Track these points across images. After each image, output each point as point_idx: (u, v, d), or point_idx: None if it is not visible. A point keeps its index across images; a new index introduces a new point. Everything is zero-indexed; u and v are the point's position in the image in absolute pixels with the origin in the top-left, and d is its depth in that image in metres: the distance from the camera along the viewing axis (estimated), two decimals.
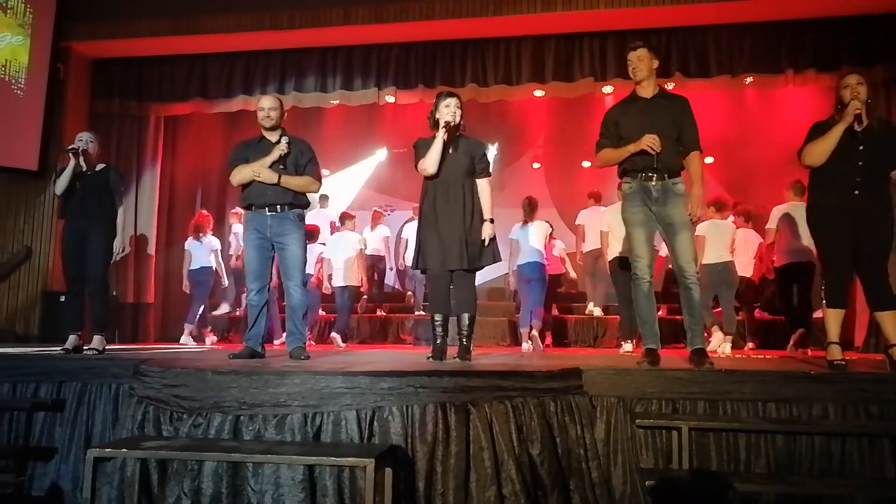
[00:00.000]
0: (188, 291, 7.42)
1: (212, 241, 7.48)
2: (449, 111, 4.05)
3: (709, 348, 4.38)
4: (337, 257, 7.22)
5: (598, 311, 7.67)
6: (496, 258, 4.13)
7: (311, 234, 7.30)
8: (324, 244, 7.64)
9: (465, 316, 4.06)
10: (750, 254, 6.54)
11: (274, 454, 2.58)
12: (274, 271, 4.78)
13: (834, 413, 3.06)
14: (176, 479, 2.87)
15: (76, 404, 3.48)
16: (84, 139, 4.71)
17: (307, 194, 4.39)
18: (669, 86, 6.77)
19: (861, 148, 3.58)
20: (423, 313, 7.85)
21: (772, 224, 5.72)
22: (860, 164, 3.58)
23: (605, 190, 7.66)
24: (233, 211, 8.22)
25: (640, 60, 3.77)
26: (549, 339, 7.05)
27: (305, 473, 2.77)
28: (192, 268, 7.33)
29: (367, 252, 7.84)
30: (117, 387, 3.43)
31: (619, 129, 3.81)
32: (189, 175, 8.83)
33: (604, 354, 5.74)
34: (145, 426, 3.04)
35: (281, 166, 4.22)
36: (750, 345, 6.52)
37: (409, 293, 8.73)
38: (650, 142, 3.60)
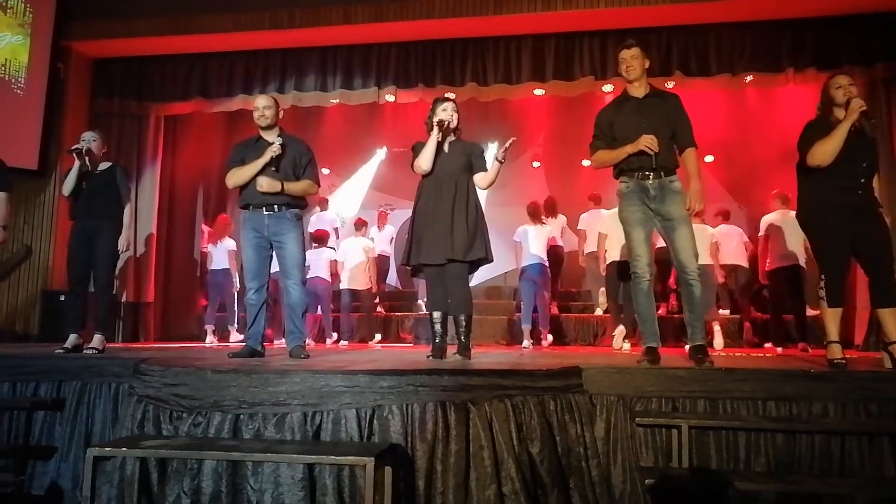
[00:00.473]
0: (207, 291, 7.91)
1: (228, 242, 7.74)
2: (445, 113, 4.09)
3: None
4: (348, 261, 7.64)
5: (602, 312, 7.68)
6: (488, 256, 4.02)
7: (321, 239, 7.75)
8: (333, 248, 7.98)
9: (462, 316, 4.04)
10: (736, 240, 7.00)
11: (273, 453, 2.58)
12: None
13: (834, 411, 3.06)
14: (176, 478, 2.87)
15: (76, 403, 3.48)
16: (87, 138, 4.71)
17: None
18: (669, 84, 6.79)
19: (865, 148, 3.59)
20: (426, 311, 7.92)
21: (761, 232, 6.19)
22: (864, 164, 3.59)
23: (605, 191, 7.66)
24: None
25: (635, 59, 3.77)
26: (545, 334, 7.09)
27: (305, 472, 2.77)
28: (212, 268, 7.73)
29: (377, 252, 8.16)
30: (117, 386, 3.43)
31: (613, 129, 3.81)
32: (189, 174, 8.82)
33: (604, 353, 5.74)
34: (145, 425, 3.04)
35: (273, 168, 4.21)
36: (768, 344, 6.53)
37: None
38: (648, 142, 3.60)
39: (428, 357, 4.00)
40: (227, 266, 7.68)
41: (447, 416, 2.84)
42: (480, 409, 2.88)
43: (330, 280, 7.67)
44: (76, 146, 4.63)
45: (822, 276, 3.69)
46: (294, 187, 4.25)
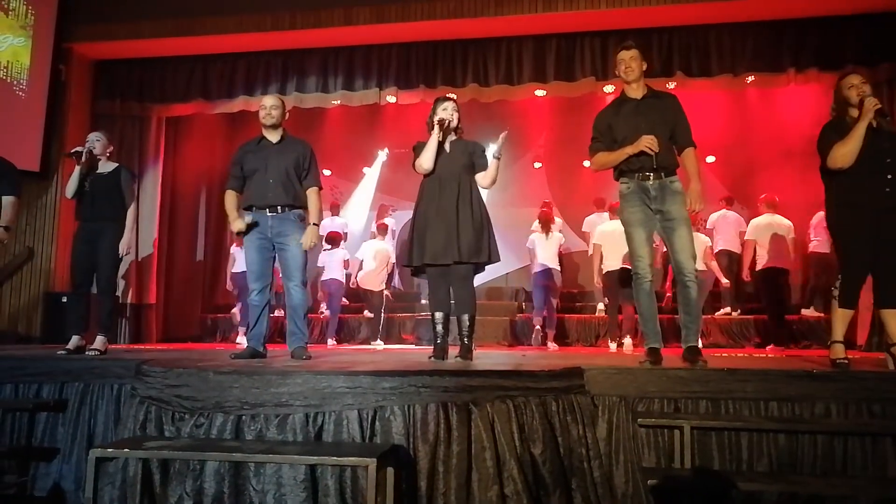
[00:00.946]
0: (231, 290, 8.04)
1: None
2: (446, 112, 4.08)
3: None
4: (366, 262, 7.85)
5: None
6: (493, 257, 4.00)
7: (334, 240, 8.00)
8: (344, 249, 8.19)
9: (465, 316, 4.04)
10: (734, 228, 7.44)
11: (276, 454, 2.58)
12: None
13: (836, 412, 3.05)
14: (178, 479, 2.87)
15: (78, 404, 3.49)
16: (91, 139, 4.71)
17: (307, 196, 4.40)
18: (671, 85, 6.79)
19: (888, 145, 3.54)
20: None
21: (750, 235, 6.52)
22: (888, 160, 3.53)
23: (607, 191, 7.68)
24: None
25: (633, 60, 3.77)
26: (550, 336, 7.11)
27: (307, 473, 2.77)
28: (234, 270, 7.79)
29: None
30: (119, 387, 3.44)
31: (612, 131, 3.81)
32: (191, 176, 8.84)
33: (605, 354, 5.74)
34: (147, 426, 3.04)
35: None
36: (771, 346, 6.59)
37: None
38: (648, 143, 3.60)
39: (430, 358, 4.00)
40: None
41: (449, 416, 2.84)
42: (482, 410, 2.88)
43: (343, 280, 7.87)
44: (75, 149, 4.63)
45: (840, 276, 3.66)
46: (314, 214, 4.33)
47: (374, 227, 8.82)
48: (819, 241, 7.34)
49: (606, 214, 7.42)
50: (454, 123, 4.12)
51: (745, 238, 6.65)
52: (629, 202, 3.78)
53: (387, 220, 8.86)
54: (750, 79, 6.99)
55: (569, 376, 3.17)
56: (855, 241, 3.59)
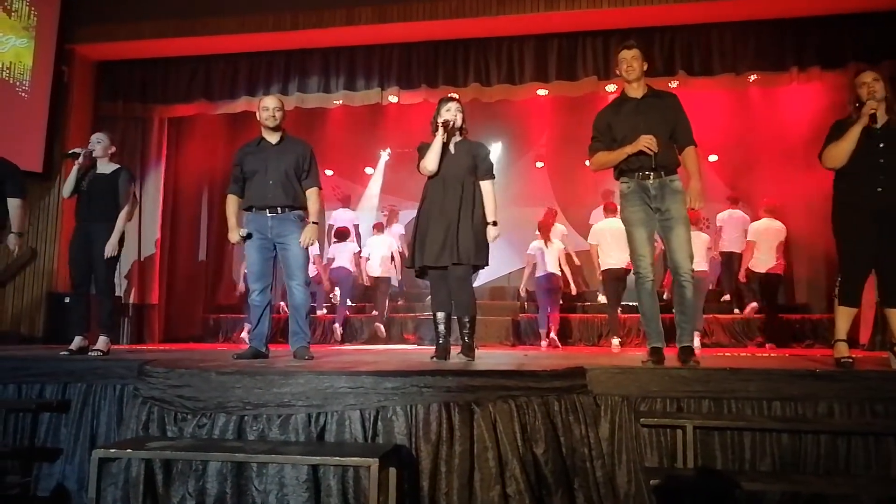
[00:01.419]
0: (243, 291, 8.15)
1: None
2: (450, 113, 4.08)
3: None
4: (375, 254, 8.09)
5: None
6: (484, 261, 4.03)
7: (343, 235, 8.26)
8: (354, 242, 8.48)
9: (465, 318, 4.03)
10: (739, 228, 7.65)
11: (278, 454, 2.58)
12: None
13: (839, 411, 3.05)
14: (180, 480, 2.88)
15: (81, 405, 3.49)
16: (93, 140, 4.72)
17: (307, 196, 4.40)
18: (673, 84, 6.78)
19: (881, 146, 3.55)
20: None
21: (750, 237, 6.96)
22: (881, 161, 3.54)
23: (616, 185, 7.66)
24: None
25: (635, 59, 3.77)
26: (549, 336, 7.16)
27: (309, 473, 2.77)
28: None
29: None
30: (122, 387, 3.44)
31: (612, 131, 3.81)
32: (193, 176, 8.84)
33: (608, 353, 5.74)
34: (150, 427, 3.04)
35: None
36: (770, 345, 6.75)
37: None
38: (647, 142, 3.60)
39: (432, 358, 3.99)
40: None
41: (451, 416, 2.84)
42: (485, 410, 2.88)
43: (352, 270, 8.09)
44: (72, 150, 4.65)
45: (840, 275, 3.66)
46: (314, 214, 4.33)
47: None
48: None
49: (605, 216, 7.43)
50: (458, 124, 4.11)
51: (747, 239, 6.94)
52: (630, 201, 3.78)
53: (395, 227, 8.99)
54: (752, 78, 6.98)
55: (571, 376, 3.16)
56: (854, 240, 3.60)
